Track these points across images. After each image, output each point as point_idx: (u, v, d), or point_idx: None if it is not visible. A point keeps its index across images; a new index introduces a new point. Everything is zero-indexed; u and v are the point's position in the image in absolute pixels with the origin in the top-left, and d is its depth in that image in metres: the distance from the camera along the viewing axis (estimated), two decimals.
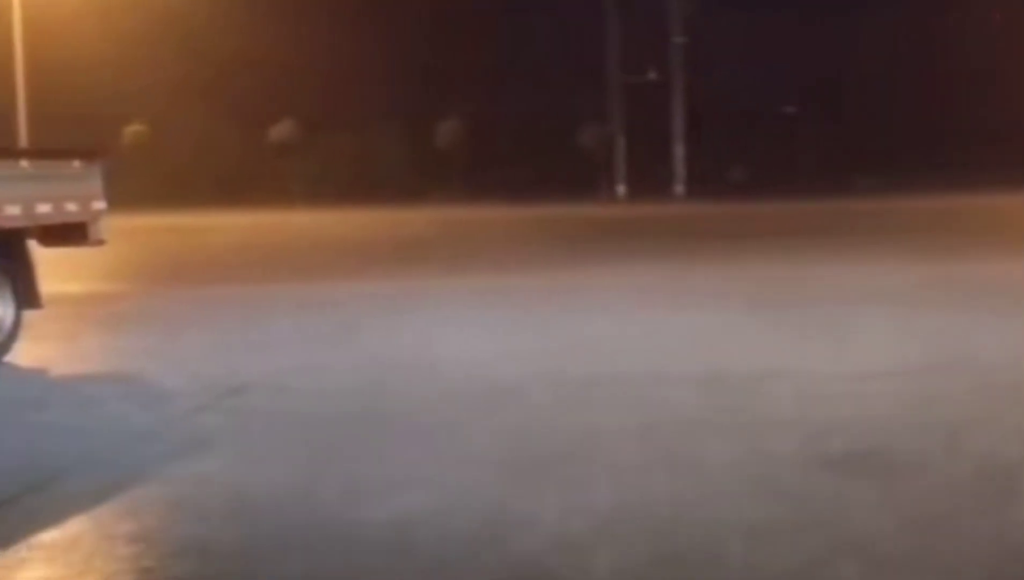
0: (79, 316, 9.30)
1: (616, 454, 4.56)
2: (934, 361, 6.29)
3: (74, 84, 31.47)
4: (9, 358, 7.11)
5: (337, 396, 5.92)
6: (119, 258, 13.78)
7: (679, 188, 33.66)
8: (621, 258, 13.91)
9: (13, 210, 7.02)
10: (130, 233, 16.41)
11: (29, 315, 7.39)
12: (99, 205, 7.69)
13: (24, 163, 7.72)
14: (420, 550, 3.54)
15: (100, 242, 7.83)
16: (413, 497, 4.03)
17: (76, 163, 7.65)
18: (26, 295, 7.32)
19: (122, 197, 12.17)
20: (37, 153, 9.99)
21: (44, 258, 7.66)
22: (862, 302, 8.81)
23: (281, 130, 35.30)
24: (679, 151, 34.03)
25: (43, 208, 7.24)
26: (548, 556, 3.44)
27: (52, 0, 28.77)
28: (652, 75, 34.41)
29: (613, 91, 34.70)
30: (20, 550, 3.60)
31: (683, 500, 3.93)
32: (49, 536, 3.71)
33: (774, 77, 35.03)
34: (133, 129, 35.24)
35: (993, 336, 7.08)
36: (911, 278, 10.49)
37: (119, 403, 5.87)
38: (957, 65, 32.95)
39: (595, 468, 4.36)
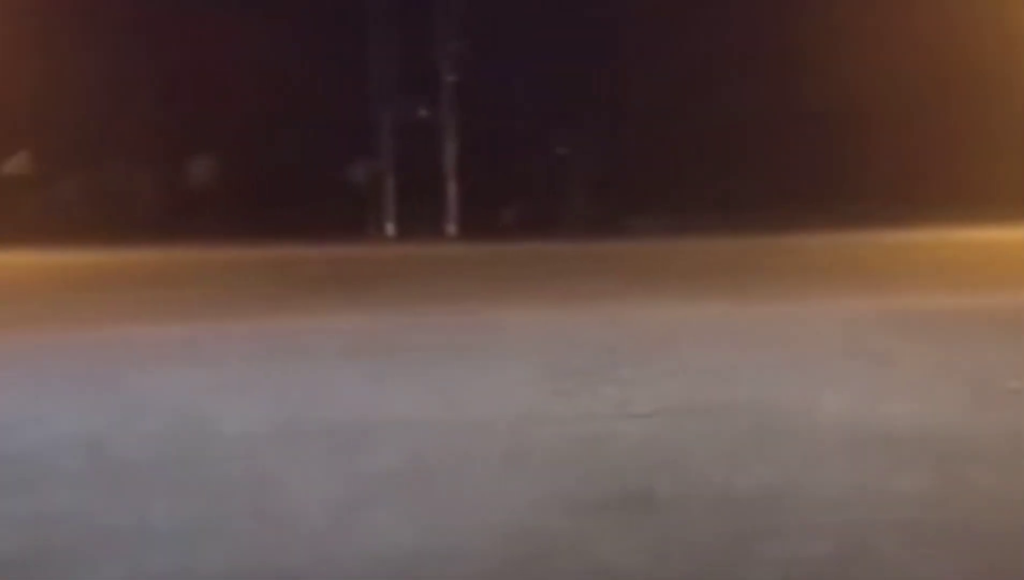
0: None
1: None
2: (699, 402, 5.83)
3: None
4: None
5: None
6: None
7: (451, 227, 32.59)
8: (359, 301, 12.38)
9: None
10: None
11: None
12: None
13: None
14: None
15: None
16: None
17: None
18: None
19: None
20: None
21: None
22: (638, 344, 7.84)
23: (16, 163, 32.66)
24: (451, 190, 32.96)
25: None
26: None
27: None
28: (423, 112, 33.37)
29: (382, 128, 33.36)
30: None
31: None
32: None
33: (550, 117, 34.43)
34: None
35: (763, 377, 6.62)
36: (685, 318, 9.61)
37: None
38: (742, 99, 32.72)
39: None
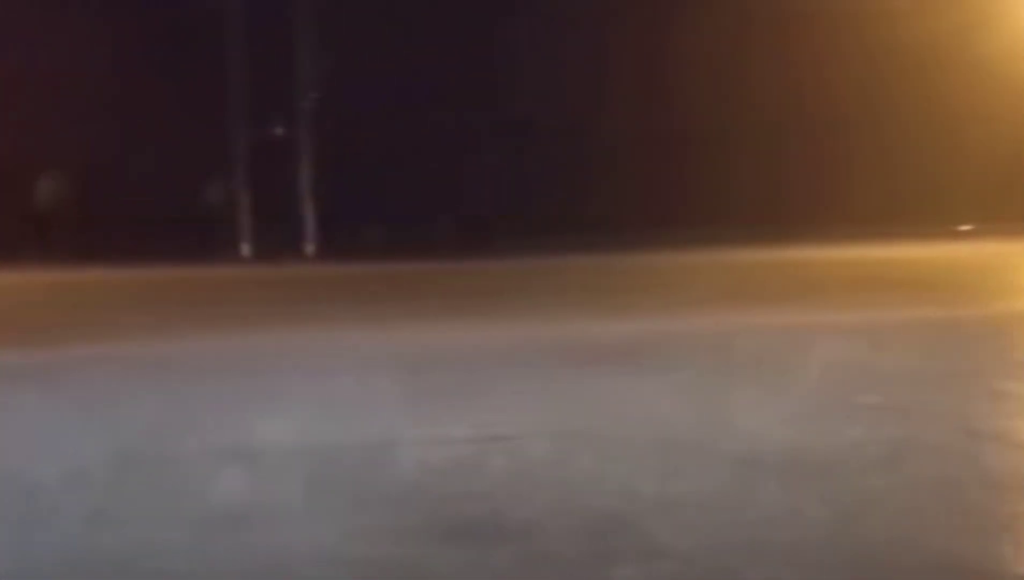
0: None
1: None
2: (563, 425, 5.62)
3: None
4: None
5: None
6: None
7: (309, 247, 32.03)
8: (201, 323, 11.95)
9: None
10: None
11: None
12: None
13: None
14: None
15: None
16: None
17: None
18: None
19: None
20: None
21: None
22: (500, 364, 7.61)
23: None
24: (309, 209, 32.39)
25: None
26: None
27: None
28: (280, 130, 32.76)
29: (237, 145, 32.64)
30: None
31: None
32: None
33: (411, 137, 34.10)
34: None
35: (625, 397, 6.44)
36: (546, 339, 9.38)
37: None
38: (605, 122, 32.90)
39: None
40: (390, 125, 33.56)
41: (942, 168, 34.38)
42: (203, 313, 13.74)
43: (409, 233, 31.84)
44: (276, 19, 32.39)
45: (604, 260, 22.42)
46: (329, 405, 6.26)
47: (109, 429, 5.81)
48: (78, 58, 31.00)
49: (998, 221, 31.47)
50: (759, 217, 31.04)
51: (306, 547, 3.53)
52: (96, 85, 31.22)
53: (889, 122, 34.22)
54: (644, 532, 3.60)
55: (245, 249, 31.92)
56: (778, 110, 33.74)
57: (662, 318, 10.90)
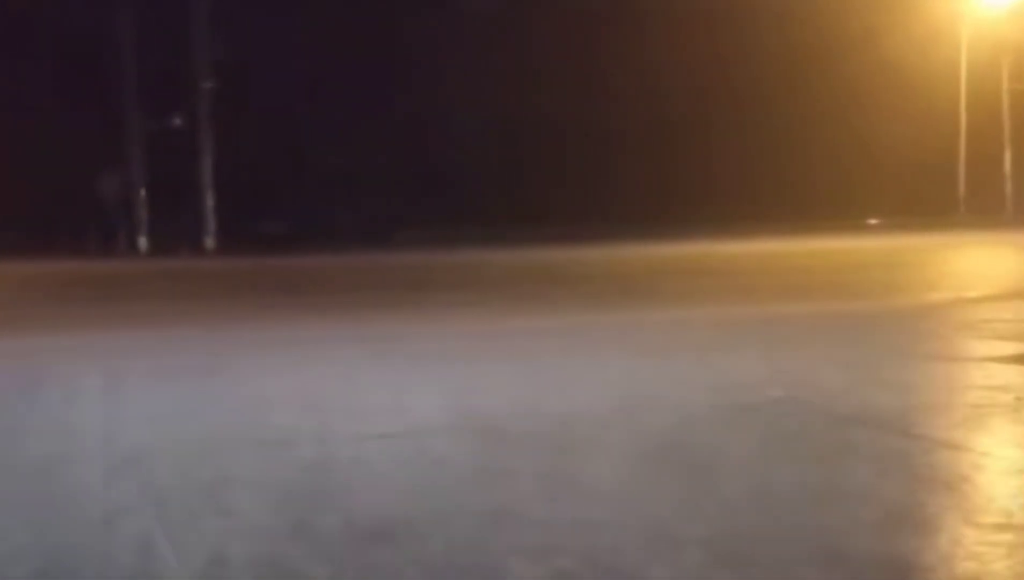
0: None
1: None
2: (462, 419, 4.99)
3: None
4: None
5: None
6: None
7: (209, 241, 31.23)
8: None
9: None
10: None
11: None
12: None
13: None
14: None
15: None
16: None
17: None
18: None
19: None
20: None
21: None
22: (417, 358, 7.13)
23: None
24: (208, 202, 31.57)
25: None
26: None
27: None
28: (178, 121, 31.89)
29: (133, 137, 31.68)
30: None
31: None
32: None
33: (314, 126, 33.43)
34: None
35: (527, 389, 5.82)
36: (458, 332, 8.96)
37: None
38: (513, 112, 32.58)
39: None
40: (293, 115, 32.86)
41: (852, 165, 34.70)
42: (85, 308, 13.09)
43: (310, 227, 31.24)
44: (170, 2, 31.35)
45: (473, 256, 22.12)
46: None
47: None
48: None
49: (904, 216, 31.78)
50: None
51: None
52: None
53: (798, 122, 34.46)
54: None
55: (142, 243, 31.03)
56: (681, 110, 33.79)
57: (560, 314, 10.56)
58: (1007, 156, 36.16)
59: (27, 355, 8.11)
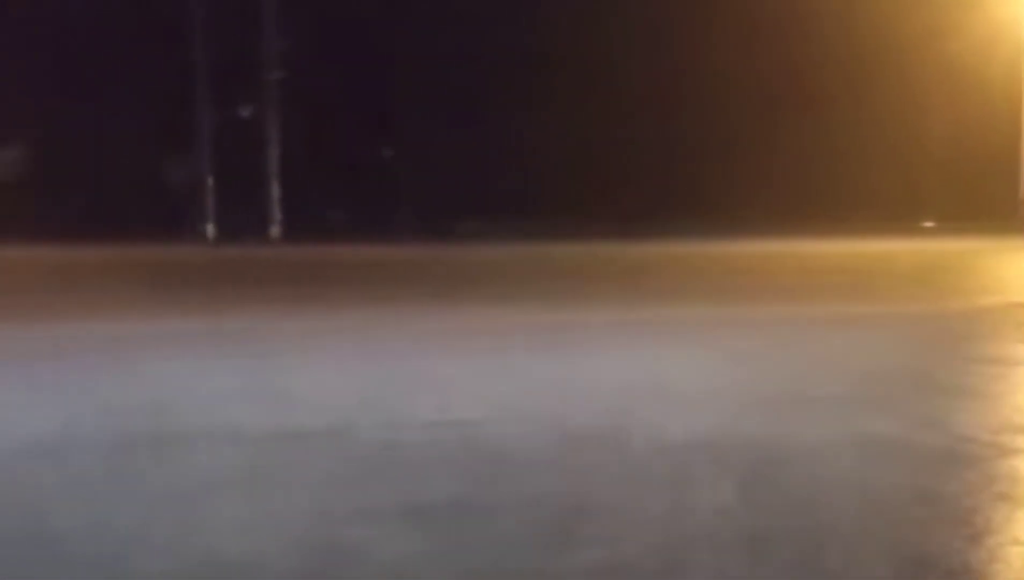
0: None
1: None
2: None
3: None
4: None
5: None
6: None
7: (274, 230, 31.85)
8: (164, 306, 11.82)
9: None
10: None
11: None
12: None
13: None
14: None
15: None
16: None
17: None
18: None
19: None
20: None
21: None
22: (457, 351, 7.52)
23: None
24: (274, 191, 32.19)
25: None
26: None
27: None
28: (245, 110, 32.53)
29: (202, 125, 32.37)
30: None
31: None
32: None
33: (375, 118, 33.96)
34: None
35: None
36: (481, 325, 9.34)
37: None
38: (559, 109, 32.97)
39: None
40: (357, 106, 33.38)
41: (911, 167, 34.76)
42: (159, 296, 13.59)
43: (373, 217, 31.78)
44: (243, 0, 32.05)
45: (557, 250, 22.45)
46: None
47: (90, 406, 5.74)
48: (44, 33, 30.73)
49: (962, 219, 31.81)
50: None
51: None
52: (60, 60, 30.93)
53: (857, 119, 34.52)
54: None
55: (209, 231, 31.72)
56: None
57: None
58: None
59: (128, 342, 8.57)
